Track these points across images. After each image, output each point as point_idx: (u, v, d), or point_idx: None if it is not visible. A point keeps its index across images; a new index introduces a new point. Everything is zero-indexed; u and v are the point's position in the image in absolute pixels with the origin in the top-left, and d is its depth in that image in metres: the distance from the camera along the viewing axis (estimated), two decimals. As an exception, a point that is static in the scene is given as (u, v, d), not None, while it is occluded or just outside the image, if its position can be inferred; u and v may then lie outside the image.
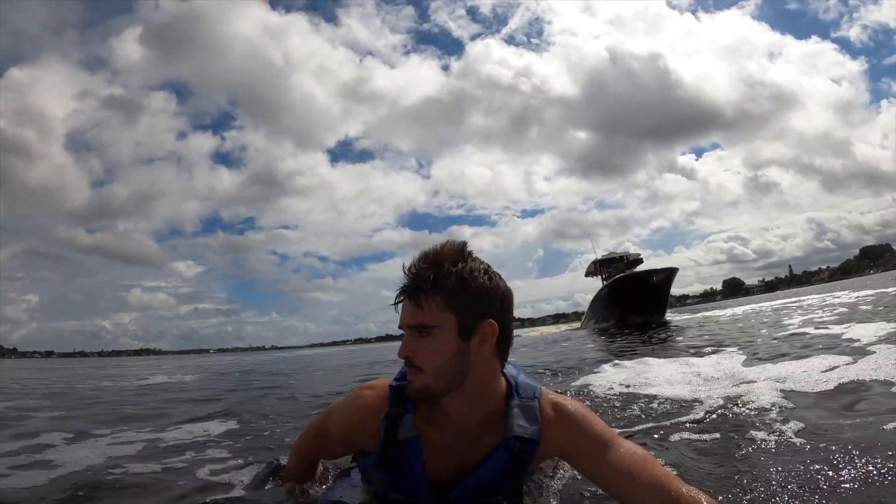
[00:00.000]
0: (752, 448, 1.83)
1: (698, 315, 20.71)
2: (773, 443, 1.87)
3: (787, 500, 1.38)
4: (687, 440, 2.04)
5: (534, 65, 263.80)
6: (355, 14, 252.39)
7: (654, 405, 2.76)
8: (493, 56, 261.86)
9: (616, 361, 5.15)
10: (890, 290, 13.10)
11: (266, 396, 5.27)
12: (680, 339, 8.05)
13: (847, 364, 3.20)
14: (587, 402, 2.77)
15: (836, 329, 5.54)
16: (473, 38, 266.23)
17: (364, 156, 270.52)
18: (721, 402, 2.62)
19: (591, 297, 31.66)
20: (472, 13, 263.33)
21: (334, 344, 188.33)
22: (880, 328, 4.86)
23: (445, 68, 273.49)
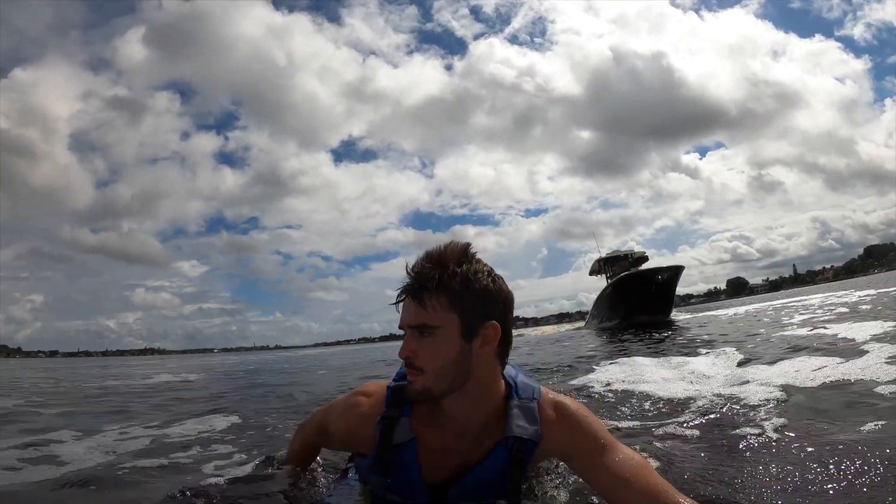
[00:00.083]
0: (741, 447, 1.84)
1: (700, 314, 20.63)
2: (762, 443, 1.88)
3: (771, 500, 1.38)
4: (678, 439, 2.06)
5: (537, 64, 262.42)
6: (358, 14, 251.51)
7: (648, 404, 2.80)
8: (496, 55, 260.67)
9: (614, 360, 5.20)
10: (891, 289, 13.09)
11: (269, 395, 5.34)
12: (680, 338, 8.07)
13: (838, 364, 3.23)
14: (584, 401, 2.82)
15: (833, 329, 5.56)
16: (477, 37, 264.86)
17: (367, 155, 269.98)
18: (712, 401, 2.66)
19: (595, 296, 31.05)
20: (476, 13, 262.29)
21: (338, 343, 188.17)
22: (876, 327, 4.88)
23: (449, 68, 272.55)
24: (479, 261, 1.28)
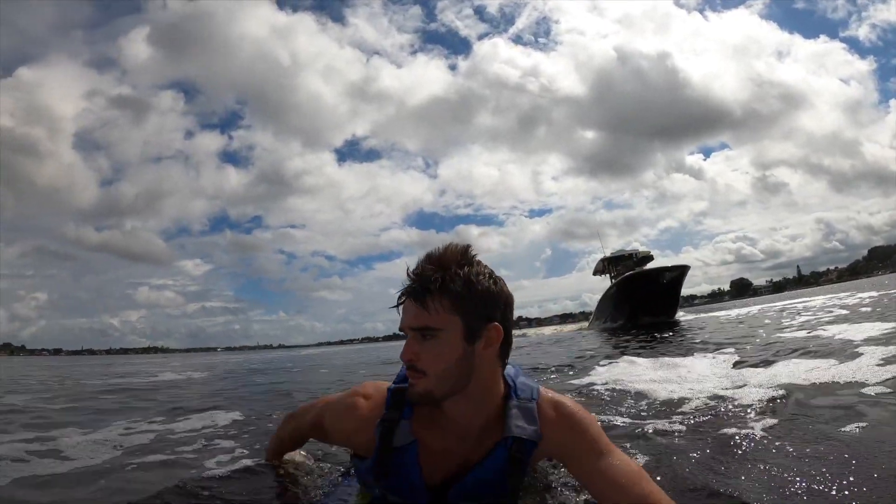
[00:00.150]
0: (734, 448, 1.86)
1: (703, 315, 20.52)
2: (754, 444, 1.89)
3: (762, 499, 1.39)
4: (672, 439, 2.08)
5: (541, 64, 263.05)
6: (362, 14, 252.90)
7: (643, 404, 2.83)
8: (500, 55, 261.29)
9: (613, 360, 5.24)
10: (892, 291, 13.04)
11: (271, 392, 5.39)
12: (680, 339, 8.09)
13: (832, 366, 3.27)
14: (581, 400, 2.85)
15: (831, 330, 5.60)
16: (481, 37, 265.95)
17: (371, 155, 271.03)
18: (707, 402, 2.68)
19: (598, 296, 30.48)
20: (480, 13, 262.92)
21: (341, 343, 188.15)
22: (873, 330, 4.91)
23: (453, 68, 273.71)
24: (479, 262, 1.27)
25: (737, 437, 1.97)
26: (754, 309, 18.23)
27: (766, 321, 9.65)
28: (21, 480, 1.99)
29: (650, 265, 27.55)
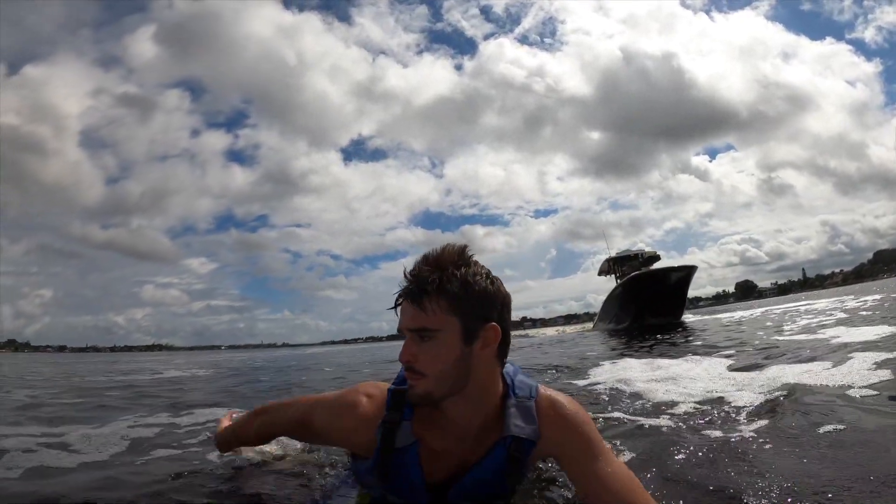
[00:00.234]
0: (726, 449, 1.86)
1: (706, 317, 20.41)
2: (745, 444, 1.90)
3: (754, 499, 1.40)
4: (666, 439, 2.09)
5: (547, 64, 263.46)
6: (368, 13, 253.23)
7: (638, 404, 2.85)
8: (506, 55, 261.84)
9: (613, 361, 5.28)
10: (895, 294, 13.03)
11: (275, 389, 5.45)
12: (680, 340, 8.10)
13: (826, 369, 3.29)
14: (580, 400, 2.88)
15: (830, 332, 5.63)
16: (487, 37, 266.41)
17: (377, 155, 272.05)
18: (701, 403, 2.70)
19: (603, 297, 30.19)
20: (486, 12, 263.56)
21: (346, 342, 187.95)
22: (870, 333, 4.94)
23: (459, 68, 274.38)
24: (476, 263, 1.27)
25: (731, 438, 1.99)
26: (757, 311, 18.13)
27: (768, 324, 9.63)
28: (32, 471, 2.05)
29: (656, 265, 27.29)
